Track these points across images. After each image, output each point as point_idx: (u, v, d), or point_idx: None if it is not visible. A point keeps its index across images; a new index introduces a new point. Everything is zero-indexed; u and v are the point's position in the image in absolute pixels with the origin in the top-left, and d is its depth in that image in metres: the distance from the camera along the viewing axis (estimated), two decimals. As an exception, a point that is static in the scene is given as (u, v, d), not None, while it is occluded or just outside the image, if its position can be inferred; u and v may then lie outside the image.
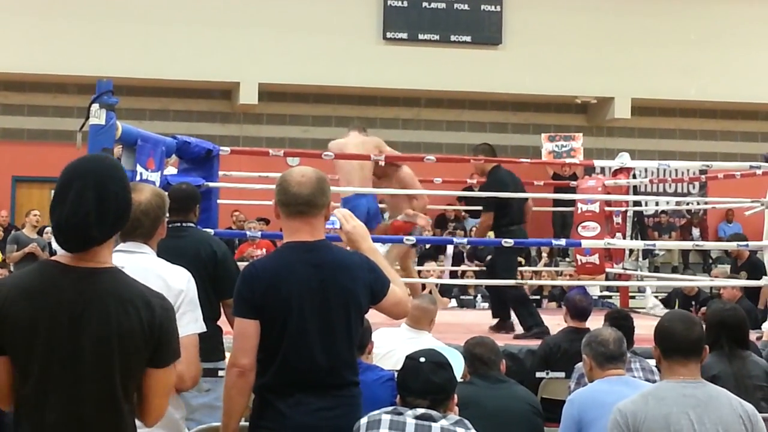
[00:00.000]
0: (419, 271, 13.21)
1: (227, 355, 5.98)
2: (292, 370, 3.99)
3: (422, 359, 4.06)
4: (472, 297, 13.35)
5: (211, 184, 8.44)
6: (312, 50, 18.17)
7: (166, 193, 4.45)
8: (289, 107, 19.04)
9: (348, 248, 4.37)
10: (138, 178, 7.89)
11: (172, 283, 3.99)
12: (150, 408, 3.15)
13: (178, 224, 6.25)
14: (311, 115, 19.17)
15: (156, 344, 3.07)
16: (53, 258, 3.12)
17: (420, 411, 3.93)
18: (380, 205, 10.25)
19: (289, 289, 4.01)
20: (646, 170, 16.85)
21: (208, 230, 7.46)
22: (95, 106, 7.71)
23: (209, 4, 17.97)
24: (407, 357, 4.19)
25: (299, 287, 4.01)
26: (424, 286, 10.90)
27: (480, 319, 10.51)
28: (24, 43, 17.24)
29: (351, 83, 18.55)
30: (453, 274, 14.61)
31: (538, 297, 13.91)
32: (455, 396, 4.09)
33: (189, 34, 17.74)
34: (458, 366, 4.34)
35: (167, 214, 4.34)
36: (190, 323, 3.96)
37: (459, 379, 4.49)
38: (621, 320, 6.52)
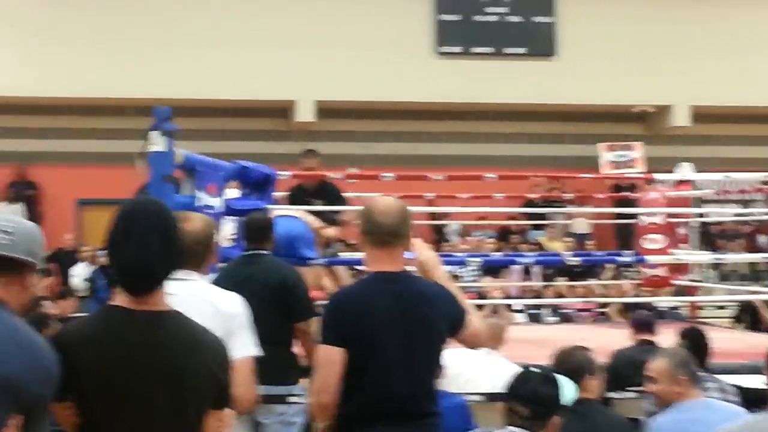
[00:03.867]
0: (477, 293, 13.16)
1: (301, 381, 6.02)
2: (374, 399, 4.02)
3: (535, 371, 4.19)
4: (539, 311, 13.22)
5: (271, 208, 8.43)
6: (366, 66, 18.20)
7: (213, 223, 4.47)
8: (345, 123, 19.04)
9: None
10: (199, 203, 7.92)
11: (223, 307, 4.11)
12: None
13: (254, 252, 6.42)
14: (369, 131, 19.15)
15: (222, 387, 3.10)
16: (116, 303, 3.09)
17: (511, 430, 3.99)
18: None
19: (373, 318, 4.04)
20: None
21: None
22: (155, 133, 7.74)
23: (262, 24, 18.04)
24: (522, 367, 4.36)
25: (383, 317, 4.04)
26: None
27: (549, 334, 10.43)
28: (83, 67, 17.42)
29: (406, 98, 18.52)
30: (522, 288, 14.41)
31: (604, 310, 13.72)
32: (557, 420, 4.08)
33: (244, 55, 17.81)
34: (569, 392, 4.33)
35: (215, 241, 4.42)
36: (244, 346, 4.08)
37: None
38: (696, 338, 6.39)
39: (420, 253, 4.39)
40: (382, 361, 4.02)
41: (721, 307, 14.68)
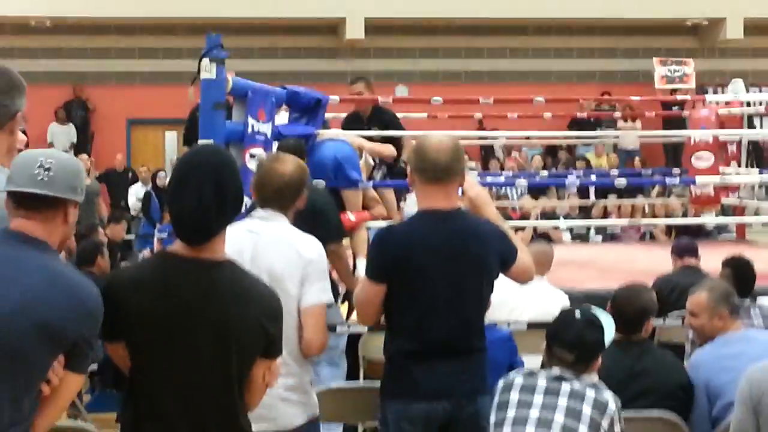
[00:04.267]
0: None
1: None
2: (423, 336, 4.09)
3: (578, 314, 4.18)
4: (585, 231, 13.24)
5: (321, 132, 8.48)
6: (416, -19, 18.05)
7: (306, 167, 4.51)
8: (395, 40, 18.97)
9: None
10: (250, 129, 8.01)
11: (304, 252, 4.13)
12: (256, 395, 3.24)
13: None
14: (418, 48, 19.09)
15: (271, 338, 3.17)
16: (170, 249, 3.20)
17: (555, 372, 4.04)
18: None
19: (421, 256, 4.08)
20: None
21: (320, 181, 7.55)
22: (206, 61, 7.80)
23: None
24: (562, 310, 4.38)
25: (432, 256, 4.08)
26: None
27: (594, 254, 10.47)
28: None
29: (456, 14, 18.40)
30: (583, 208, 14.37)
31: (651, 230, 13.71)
32: (599, 359, 4.15)
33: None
34: (609, 332, 4.39)
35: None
36: (318, 292, 4.11)
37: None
38: (741, 267, 6.40)
39: (471, 190, 4.38)
40: (431, 299, 4.08)
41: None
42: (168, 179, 3.21)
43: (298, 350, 4.08)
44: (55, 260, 3.03)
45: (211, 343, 3.08)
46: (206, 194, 3.07)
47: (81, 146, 18.05)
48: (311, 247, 4.19)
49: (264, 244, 4.12)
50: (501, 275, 4.30)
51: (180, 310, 3.07)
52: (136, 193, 15.53)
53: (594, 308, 4.49)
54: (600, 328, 4.16)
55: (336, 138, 8.60)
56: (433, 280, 4.08)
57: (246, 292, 3.15)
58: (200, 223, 3.09)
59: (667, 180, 10.90)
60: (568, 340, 4.07)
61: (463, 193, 4.37)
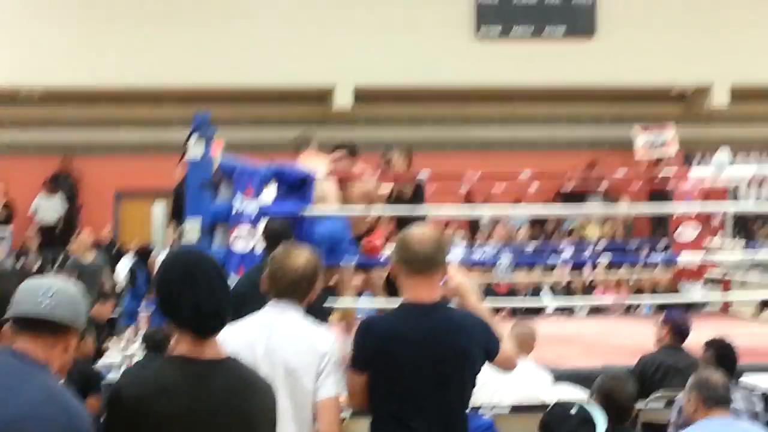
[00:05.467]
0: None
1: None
2: (405, 428, 4.13)
3: (573, 411, 4.30)
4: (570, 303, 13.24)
5: (308, 210, 8.53)
6: (405, 50, 18.20)
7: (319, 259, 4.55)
8: (384, 108, 19.06)
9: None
10: (237, 208, 8.07)
11: (319, 345, 4.20)
12: None
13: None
14: (407, 116, 19.20)
15: (273, 425, 3.31)
16: (177, 354, 3.25)
17: None
18: None
19: (402, 350, 4.14)
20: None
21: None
22: (193, 139, 7.87)
23: (300, 9, 18.08)
24: (557, 403, 4.53)
25: (414, 349, 4.14)
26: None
27: (579, 330, 10.48)
28: (121, 55, 17.52)
29: (445, 82, 18.54)
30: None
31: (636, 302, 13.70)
32: None
33: (282, 40, 17.87)
34: (601, 429, 4.43)
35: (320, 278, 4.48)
36: (334, 384, 4.18)
37: None
38: (724, 349, 6.46)
39: (453, 279, 4.43)
40: (410, 392, 4.12)
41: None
42: (163, 277, 3.30)
43: None
44: (55, 382, 3.11)
45: None
46: (216, 288, 3.23)
47: (69, 218, 18.04)
48: (325, 339, 4.26)
49: (278, 338, 4.18)
50: None
51: (193, 415, 3.14)
52: (124, 268, 15.42)
53: (588, 404, 4.53)
54: (593, 425, 4.20)
55: (329, 215, 8.67)
56: (415, 374, 4.13)
57: (255, 384, 3.28)
58: (218, 315, 3.22)
59: (651, 257, 10.95)
60: None
61: (445, 282, 4.42)
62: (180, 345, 3.24)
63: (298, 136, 9.23)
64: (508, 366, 4.45)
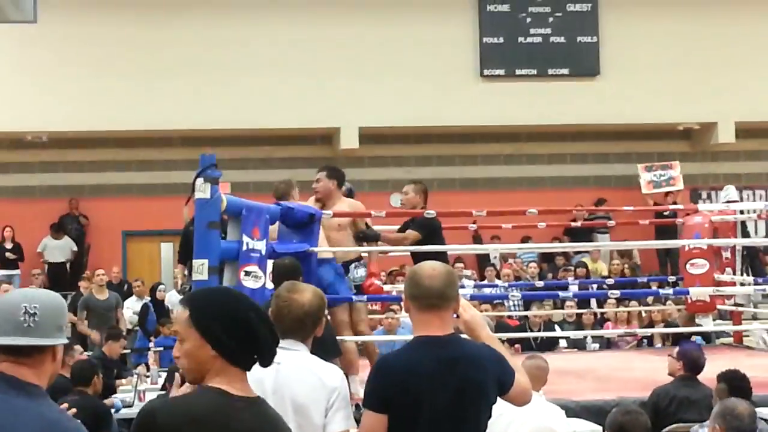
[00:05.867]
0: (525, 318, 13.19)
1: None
2: None
3: None
4: (582, 338, 13.19)
5: (315, 249, 8.52)
6: (410, 91, 18.29)
7: (324, 295, 4.55)
8: (390, 149, 19.16)
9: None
10: (244, 247, 8.05)
11: (327, 381, 4.20)
12: None
13: None
14: (413, 156, 19.25)
15: None
16: (217, 386, 3.18)
17: None
18: None
19: (420, 385, 4.08)
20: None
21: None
22: (200, 180, 7.85)
23: (304, 53, 18.16)
24: None
25: (430, 384, 4.08)
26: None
27: (591, 363, 10.43)
28: (130, 101, 17.63)
29: (451, 122, 18.60)
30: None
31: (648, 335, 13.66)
32: None
33: (287, 84, 17.97)
34: None
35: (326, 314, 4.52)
36: (343, 420, 4.18)
37: None
38: (737, 381, 6.44)
39: (465, 313, 4.39)
40: (431, 427, 4.06)
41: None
42: (239, 313, 3.22)
43: None
44: (49, 409, 3.06)
45: None
46: (268, 326, 3.22)
47: (77, 259, 18.15)
48: (333, 375, 4.26)
49: (286, 375, 4.16)
50: None
51: None
52: (132, 307, 15.48)
53: None
54: None
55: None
56: (432, 409, 4.07)
57: (282, 422, 3.26)
58: (273, 350, 3.23)
59: (661, 291, 10.90)
60: None
61: (458, 316, 4.40)
62: (218, 378, 3.16)
63: (276, 186, 9.21)
64: (522, 400, 4.39)
